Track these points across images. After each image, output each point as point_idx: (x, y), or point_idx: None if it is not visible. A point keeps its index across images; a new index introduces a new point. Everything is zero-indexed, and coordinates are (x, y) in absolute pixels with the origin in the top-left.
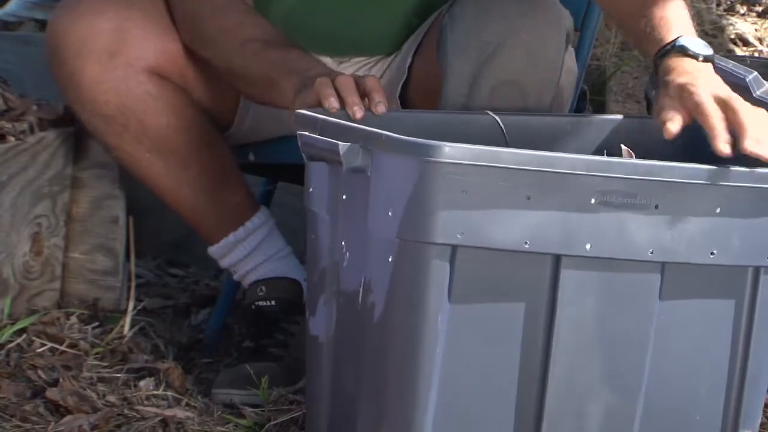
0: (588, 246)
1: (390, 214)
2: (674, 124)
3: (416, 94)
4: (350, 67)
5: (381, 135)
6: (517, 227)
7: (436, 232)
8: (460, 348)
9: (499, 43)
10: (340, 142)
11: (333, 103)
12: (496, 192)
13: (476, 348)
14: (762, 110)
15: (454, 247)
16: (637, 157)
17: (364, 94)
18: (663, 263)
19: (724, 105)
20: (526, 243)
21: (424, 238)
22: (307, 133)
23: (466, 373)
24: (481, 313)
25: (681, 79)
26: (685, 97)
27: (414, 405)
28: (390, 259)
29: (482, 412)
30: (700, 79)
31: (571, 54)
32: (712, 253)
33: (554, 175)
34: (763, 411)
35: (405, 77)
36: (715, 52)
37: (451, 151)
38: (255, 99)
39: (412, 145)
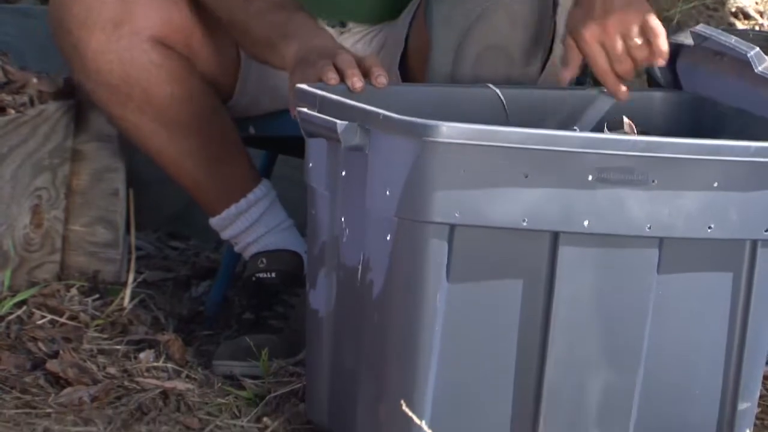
0: (586, 222)
1: (388, 193)
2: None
3: (415, 65)
4: (351, 36)
5: (378, 114)
6: (515, 205)
7: (434, 212)
8: (459, 326)
9: (483, 9)
10: (338, 121)
11: (332, 75)
12: (493, 170)
13: (475, 326)
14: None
15: (452, 226)
16: (639, 128)
17: (364, 71)
18: (661, 238)
19: (608, 47)
20: (524, 221)
21: (422, 217)
22: (306, 110)
23: (465, 351)
24: (480, 291)
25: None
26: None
27: (414, 383)
28: (388, 238)
29: (482, 390)
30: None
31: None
32: (709, 227)
33: (552, 153)
34: (763, 383)
35: (403, 49)
36: (716, 25)
37: (449, 131)
38: (255, 57)
39: (409, 124)
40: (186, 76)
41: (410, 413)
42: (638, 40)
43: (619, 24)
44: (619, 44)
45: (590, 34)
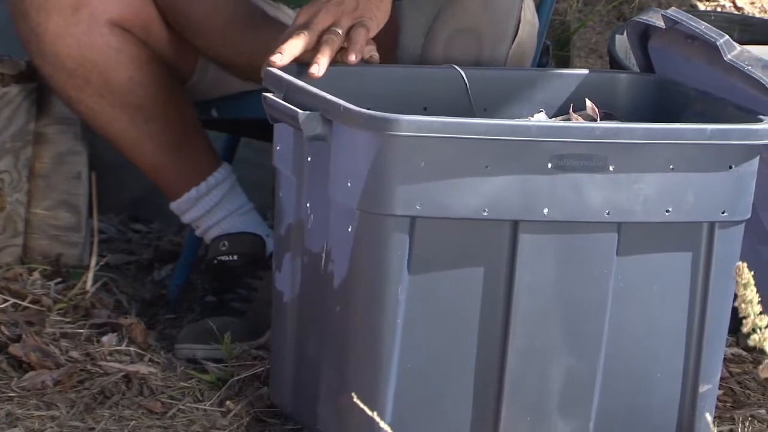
0: (545, 210)
1: (349, 184)
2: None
3: (380, 48)
4: None
5: (339, 106)
6: (475, 196)
7: (395, 205)
8: (420, 317)
9: None
10: (299, 111)
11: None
12: (454, 162)
13: (436, 317)
14: None
15: (413, 219)
16: (602, 111)
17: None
18: (619, 223)
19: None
20: (484, 211)
21: (384, 210)
22: (271, 96)
23: (426, 342)
24: (441, 282)
25: None
26: None
27: (375, 375)
28: (350, 230)
29: (443, 380)
30: None
31: (530, 6)
32: (667, 211)
33: (511, 143)
34: (725, 365)
35: None
36: (678, 7)
37: (409, 124)
38: (248, 80)
39: (369, 118)
40: (145, 59)
41: (362, 405)
42: (339, 30)
43: (339, 10)
44: (323, 20)
45: None
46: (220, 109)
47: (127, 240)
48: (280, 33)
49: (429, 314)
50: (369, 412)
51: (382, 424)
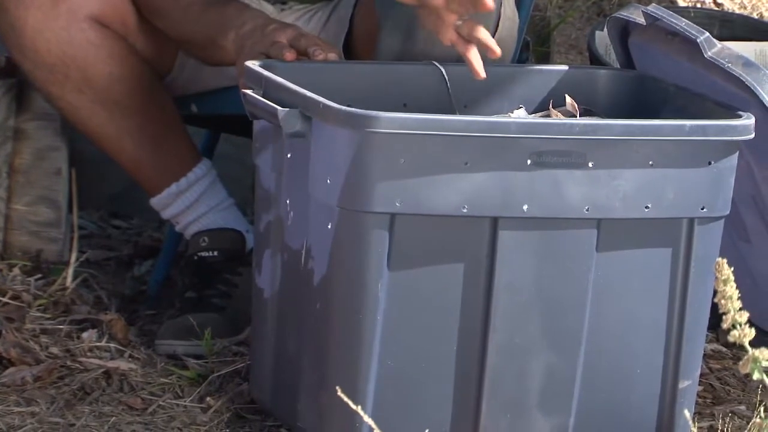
0: (525, 207)
1: (329, 181)
2: None
3: (360, 46)
4: (291, 14)
5: (318, 103)
6: (455, 193)
7: (375, 202)
8: (401, 314)
9: None
10: (279, 108)
11: (286, 51)
12: (433, 159)
13: (416, 313)
14: None
15: (393, 216)
16: (582, 107)
17: (301, 49)
18: (599, 220)
19: None
20: (464, 207)
21: (364, 207)
22: (250, 93)
23: (406, 339)
24: (421, 279)
25: None
26: None
27: (355, 371)
28: (329, 227)
29: (424, 376)
30: None
31: (510, 2)
32: (646, 207)
33: (491, 140)
34: (705, 361)
35: (347, 29)
36: (658, 3)
37: (389, 121)
38: (208, 62)
39: (349, 115)
40: (124, 55)
41: (346, 399)
42: None
43: None
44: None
45: None
46: (200, 105)
47: (107, 236)
48: (242, 11)
49: (409, 311)
50: (353, 406)
51: (366, 418)
